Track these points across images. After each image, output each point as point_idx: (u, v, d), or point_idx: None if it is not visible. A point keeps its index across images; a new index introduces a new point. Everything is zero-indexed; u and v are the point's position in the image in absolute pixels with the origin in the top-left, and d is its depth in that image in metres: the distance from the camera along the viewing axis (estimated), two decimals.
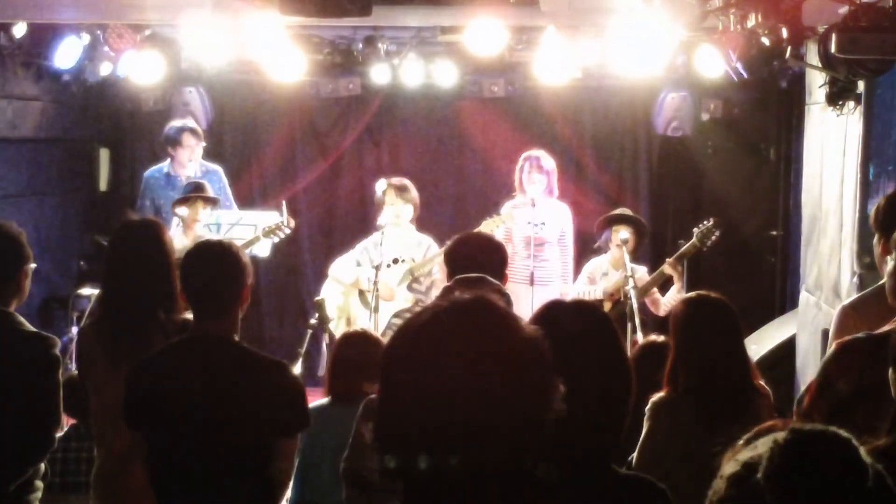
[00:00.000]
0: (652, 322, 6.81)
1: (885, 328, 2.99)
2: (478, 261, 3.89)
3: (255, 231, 7.03)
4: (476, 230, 6.89)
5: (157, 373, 3.35)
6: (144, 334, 3.76)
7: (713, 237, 6.87)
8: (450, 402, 1.41)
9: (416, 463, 1.41)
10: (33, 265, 3.89)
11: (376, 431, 1.49)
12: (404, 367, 1.48)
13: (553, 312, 2.30)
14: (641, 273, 6.98)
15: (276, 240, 7.07)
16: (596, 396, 2.13)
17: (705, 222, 6.94)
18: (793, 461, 1.36)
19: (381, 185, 7.13)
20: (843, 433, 1.39)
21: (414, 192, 7.10)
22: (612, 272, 7.02)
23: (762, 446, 1.40)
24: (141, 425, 3.36)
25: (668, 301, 6.80)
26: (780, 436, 1.38)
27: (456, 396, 1.41)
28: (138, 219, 4.11)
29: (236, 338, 3.38)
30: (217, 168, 7.92)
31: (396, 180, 7.12)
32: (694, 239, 6.90)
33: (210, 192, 7.11)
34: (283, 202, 7.15)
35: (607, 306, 6.78)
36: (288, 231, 7.03)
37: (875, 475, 1.36)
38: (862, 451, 1.37)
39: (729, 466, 1.42)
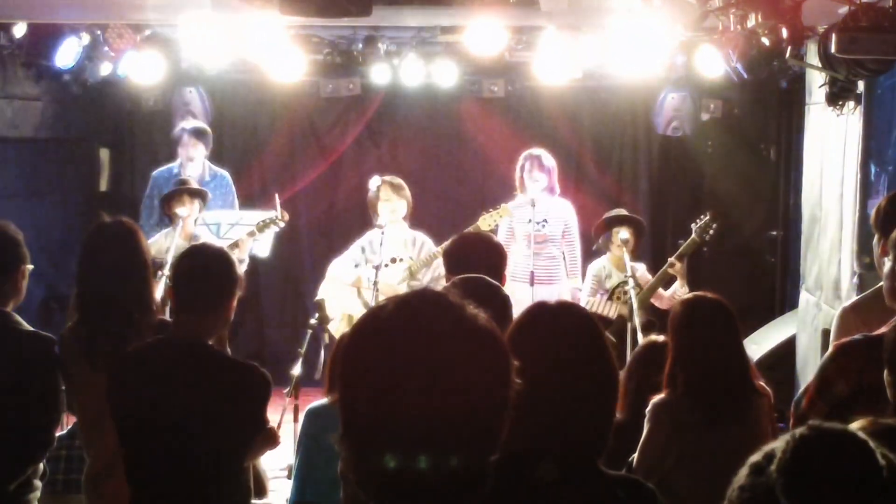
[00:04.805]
0: (657, 323, 6.80)
1: (882, 330, 2.99)
2: (476, 261, 3.88)
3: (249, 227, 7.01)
4: (474, 225, 6.92)
5: (132, 374, 3.37)
6: (121, 337, 3.72)
7: (711, 230, 6.90)
8: (412, 398, 1.41)
9: (384, 463, 1.42)
10: (30, 266, 3.88)
11: (342, 434, 1.48)
12: (362, 368, 1.48)
13: (538, 314, 2.30)
14: (642, 271, 7.00)
15: (271, 232, 7.02)
16: (581, 397, 2.12)
17: (702, 216, 6.96)
18: (805, 456, 1.37)
19: (375, 182, 7.10)
20: (861, 434, 1.39)
21: (407, 190, 7.09)
22: (614, 273, 7.03)
23: (782, 440, 1.41)
24: (118, 425, 3.38)
25: (670, 294, 6.86)
26: (799, 431, 1.40)
27: (417, 392, 1.41)
28: (111, 220, 4.05)
29: (211, 342, 3.41)
30: (224, 172, 7.93)
31: (390, 177, 7.11)
32: (693, 234, 6.92)
33: (193, 185, 7.06)
34: (277, 195, 7.13)
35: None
36: (282, 224, 7.00)
37: (892, 475, 1.36)
38: (878, 453, 1.37)
39: (754, 455, 1.43)
